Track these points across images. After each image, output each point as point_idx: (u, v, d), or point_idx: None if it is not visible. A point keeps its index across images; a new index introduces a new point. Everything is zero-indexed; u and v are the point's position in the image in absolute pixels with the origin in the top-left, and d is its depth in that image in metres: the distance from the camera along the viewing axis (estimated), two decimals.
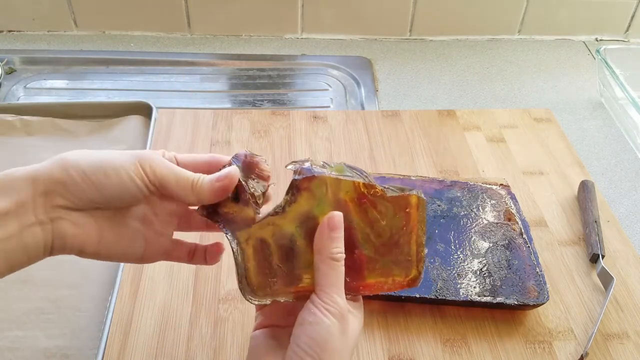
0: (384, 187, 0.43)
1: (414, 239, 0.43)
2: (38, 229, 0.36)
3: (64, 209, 0.37)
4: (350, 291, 0.43)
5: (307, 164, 0.41)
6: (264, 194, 0.43)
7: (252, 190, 0.42)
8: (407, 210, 0.43)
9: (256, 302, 0.42)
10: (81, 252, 0.39)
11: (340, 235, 0.40)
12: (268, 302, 0.42)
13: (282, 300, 0.42)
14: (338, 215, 0.40)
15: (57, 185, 0.36)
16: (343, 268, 0.40)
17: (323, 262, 0.40)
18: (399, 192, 0.43)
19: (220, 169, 0.42)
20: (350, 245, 0.42)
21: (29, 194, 0.36)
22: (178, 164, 0.42)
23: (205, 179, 0.40)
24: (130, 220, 0.41)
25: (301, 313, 0.39)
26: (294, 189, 0.41)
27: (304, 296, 0.41)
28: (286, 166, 0.42)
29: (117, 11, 0.96)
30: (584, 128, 0.85)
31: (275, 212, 0.41)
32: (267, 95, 0.90)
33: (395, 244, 0.43)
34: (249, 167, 0.43)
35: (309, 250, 0.41)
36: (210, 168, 0.42)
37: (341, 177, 0.41)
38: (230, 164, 0.42)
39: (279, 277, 0.42)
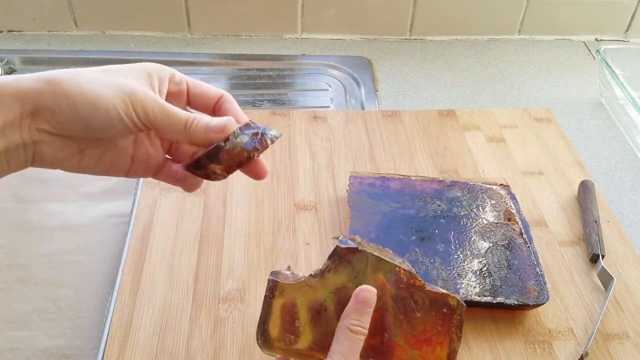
0: (425, 283, 0.43)
1: (447, 342, 0.43)
2: (21, 150, 0.36)
3: (47, 133, 0.36)
4: None
5: (352, 242, 0.42)
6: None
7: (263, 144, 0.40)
8: (444, 310, 0.43)
9: (266, 352, 0.43)
10: (61, 168, 0.39)
11: (367, 310, 0.40)
12: (277, 356, 0.43)
13: None
14: (370, 291, 0.40)
15: (45, 110, 0.35)
16: (360, 343, 0.39)
17: (341, 331, 0.39)
18: (439, 290, 0.43)
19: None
20: (381, 328, 0.42)
21: (17, 114, 0.35)
22: (188, 90, 0.42)
23: (200, 122, 0.38)
24: (118, 140, 0.40)
25: None
26: (336, 256, 0.42)
27: None
28: (333, 237, 0.43)
29: (117, 11, 0.96)
30: (584, 128, 0.85)
31: (314, 275, 0.42)
32: (267, 95, 0.90)
33: (427, 342, 0.43)
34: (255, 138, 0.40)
35: (336, 320, 0.41)
36: (215, 107, 0.42)
37: (383, 258, 0.42)
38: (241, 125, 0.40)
39: (299, 337, 0.42)
